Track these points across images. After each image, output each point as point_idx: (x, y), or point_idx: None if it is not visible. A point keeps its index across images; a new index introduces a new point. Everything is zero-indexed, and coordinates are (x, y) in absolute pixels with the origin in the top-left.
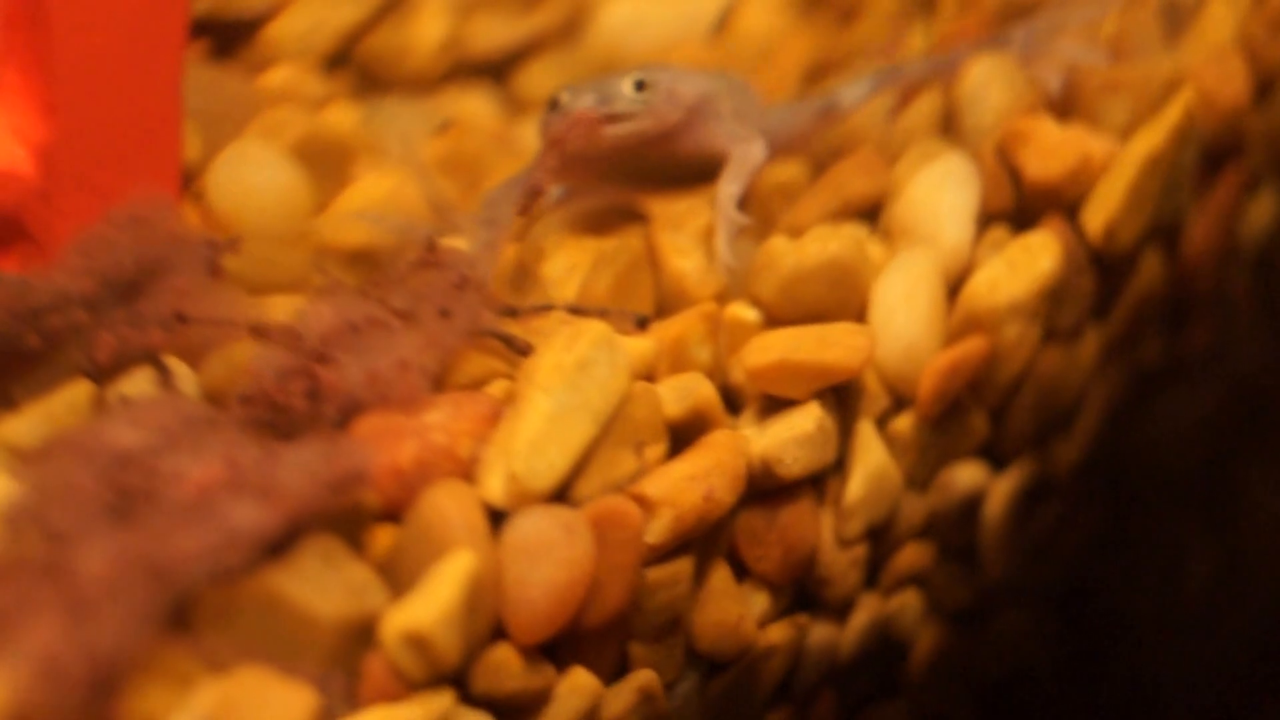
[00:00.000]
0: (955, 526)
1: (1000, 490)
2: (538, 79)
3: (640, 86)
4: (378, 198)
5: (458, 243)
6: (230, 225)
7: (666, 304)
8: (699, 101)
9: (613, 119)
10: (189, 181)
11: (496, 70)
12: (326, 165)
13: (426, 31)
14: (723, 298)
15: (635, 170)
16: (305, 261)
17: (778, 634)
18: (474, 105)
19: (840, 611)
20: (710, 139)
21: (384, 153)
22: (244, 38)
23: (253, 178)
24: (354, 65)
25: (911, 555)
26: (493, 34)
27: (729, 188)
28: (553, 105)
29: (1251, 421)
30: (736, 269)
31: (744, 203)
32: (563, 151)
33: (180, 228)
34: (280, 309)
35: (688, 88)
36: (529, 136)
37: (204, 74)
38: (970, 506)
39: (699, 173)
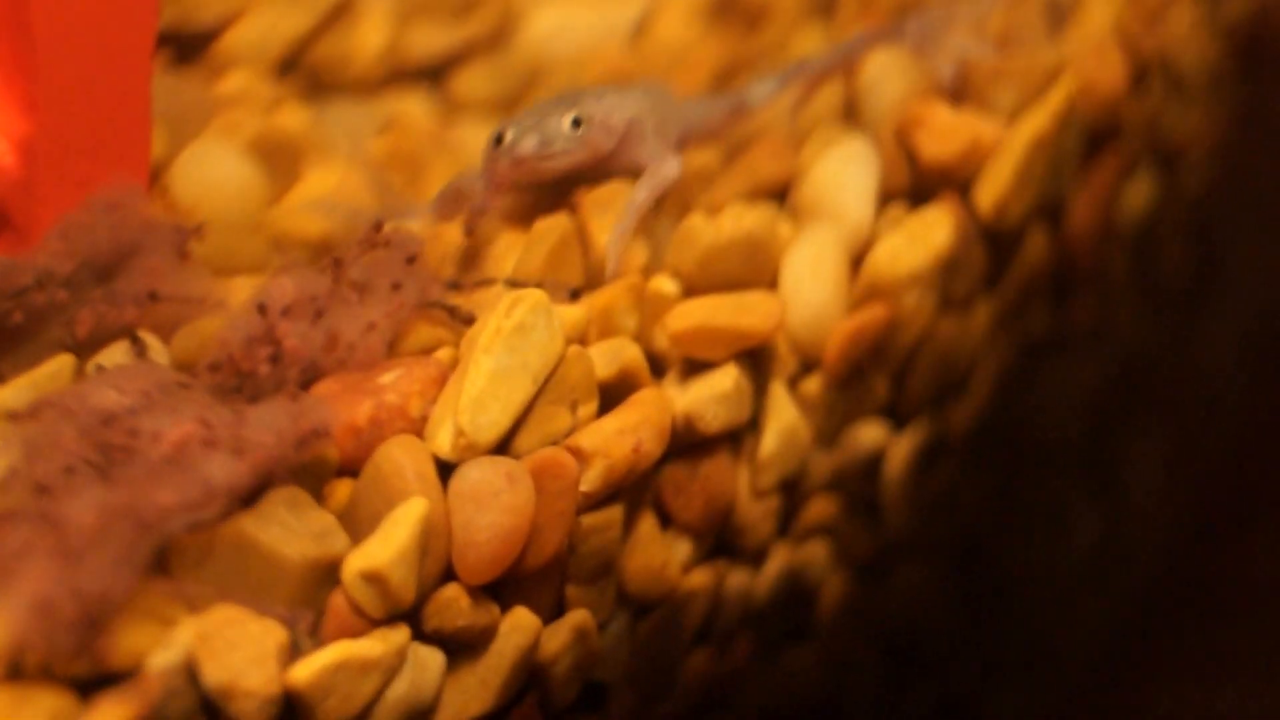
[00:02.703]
0: (859, 481)
1: (900, 449)
2: (471, 82)
3: (577, 124)
4: (326, 190)
5: (408, 226)
6: (193, 216)
7: (594, 278)
8: (629, 127)
9: (551, 157)
10: (155, 177)
11: (434, 74)
12: (279, 162)
13: (369, 38)
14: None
15: (569, 185)
16: (263, 247)
17: (699, 578)
18: (413, 106)
19: (755, 559)
20: (636, 158)
21: (331, 150)
22: (202, 47)
23: (213, 173)
24: (303, 70)
25: (820, 507)
26: (430, 40)
27: (640, 193)
28: (497, 141)
29: (1131, 395)
30: (618, 268)
31: (656, 209)
32: (504, 183)
33: (152, 214)
34: (242, 289)
35: (619, 117)
36: (464, 135)
37: (167, 80)
38: (872, 463)
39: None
